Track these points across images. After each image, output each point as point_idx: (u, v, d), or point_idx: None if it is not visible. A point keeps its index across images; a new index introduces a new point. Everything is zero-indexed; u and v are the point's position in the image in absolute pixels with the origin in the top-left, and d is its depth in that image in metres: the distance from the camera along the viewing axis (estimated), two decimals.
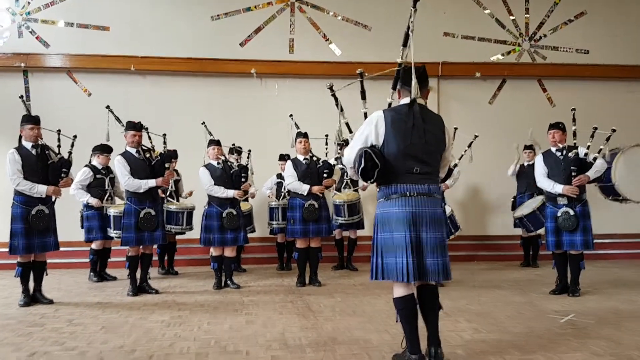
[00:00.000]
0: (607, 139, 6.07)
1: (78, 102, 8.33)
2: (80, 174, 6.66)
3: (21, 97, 5.93)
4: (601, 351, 3.64)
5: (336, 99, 3.90)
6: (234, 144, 7.23)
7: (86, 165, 6.84)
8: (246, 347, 3.81)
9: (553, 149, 5.73)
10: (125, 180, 5.74)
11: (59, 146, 5.61)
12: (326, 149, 7.30)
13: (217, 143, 6.33)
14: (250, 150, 7.21)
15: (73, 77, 8.40)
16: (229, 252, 6.25)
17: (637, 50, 9.19)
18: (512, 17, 9.18)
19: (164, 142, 6.30)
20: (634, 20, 9.30)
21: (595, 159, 5.60)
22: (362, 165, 3.11)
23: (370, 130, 3.22)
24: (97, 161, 6.88)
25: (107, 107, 6.24)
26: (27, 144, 5.33)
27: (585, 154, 5.58)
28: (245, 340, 3.98)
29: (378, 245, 3.26)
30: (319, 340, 3.99)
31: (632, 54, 9.16)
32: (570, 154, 5.55)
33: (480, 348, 3.73)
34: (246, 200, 7.32)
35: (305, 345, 3.86)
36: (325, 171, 6.36)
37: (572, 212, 5.48)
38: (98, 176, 6.79)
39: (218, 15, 8.66)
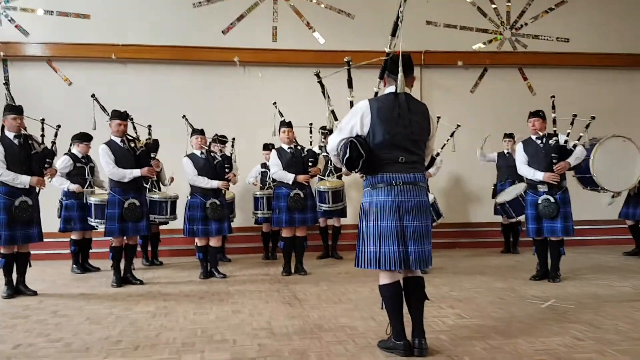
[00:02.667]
0: (587, 127, 6.21)
1: (58, 91, 8.21)
2: (60, 162, 6.54)
3: (5, 83, 5.80)
4: (582, 335, 3.73)
5: (322, 87, 3.92)
6: (216, 134, 7.19)
7: (66, 154, 6.75)
8: (233, 336, 3.84)
9: (533, 137, 5.80)
10: (110, 169, 5.69)
11: (42, 136, 5.51)
12: (310, 137, 7.30)
13: (200, 132, 6.29)
14: (234, 139, 7.17)
15: (53, 66, 8.26)
16: (214, 242, 6.25)
17: (617, 38, 9.30)
18: (493, 6, 9.22)
19: (149, 133, 6.25)
20: (614, 9, 9.39)
21: (575, 146, 5.70)
22: (347, 155, 3.13)
23: (356, 121, 3.23)
24: (76, 150, 6.80)
25: (92, 95, 6.18)
26: (10, 134, 5.24)
27: (565, 142, 5.67)
28: (232, 330, 4.00)
29: (363, 234, 3.28)
30: (305, 327, 4.03)
31: (612, 42, 9.27)
32: (550, 142, 5.62)
33: (463, 333, 3.80)
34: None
35: (291, 333, 3.90)
36: (310, 160, 6.36)
37: (552, 200, 5.56)
38: (78, 165, 6.71)
39: (200, 2, 8.56)
